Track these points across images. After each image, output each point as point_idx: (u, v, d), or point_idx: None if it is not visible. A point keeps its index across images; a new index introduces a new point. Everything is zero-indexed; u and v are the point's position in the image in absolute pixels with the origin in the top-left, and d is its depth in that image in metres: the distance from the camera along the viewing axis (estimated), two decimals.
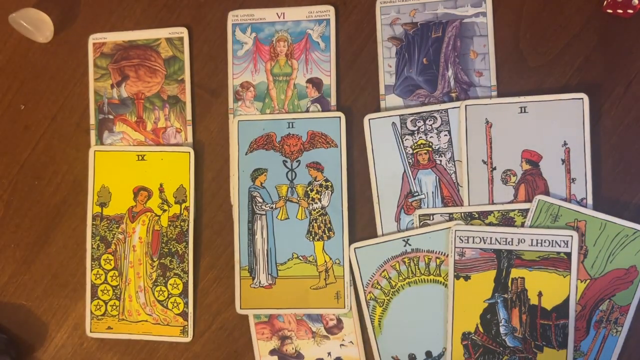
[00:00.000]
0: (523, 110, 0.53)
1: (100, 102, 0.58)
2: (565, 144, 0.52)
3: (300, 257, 0.55)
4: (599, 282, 0.51)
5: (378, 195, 0.54)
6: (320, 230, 0.54)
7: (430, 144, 0.53)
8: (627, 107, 0.53)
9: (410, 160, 0.54)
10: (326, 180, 0.54)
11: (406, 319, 0.54)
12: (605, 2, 0.52)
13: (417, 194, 0.53)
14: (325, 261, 0.54)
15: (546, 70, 0.54)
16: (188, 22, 0.57)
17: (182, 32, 0.57)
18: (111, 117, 0.58)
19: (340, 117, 0.54)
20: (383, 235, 0.54)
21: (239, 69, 0.56)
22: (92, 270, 0.57)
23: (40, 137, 0.59)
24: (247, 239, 0.55)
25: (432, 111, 0.53)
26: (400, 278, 0.54)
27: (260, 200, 0.55)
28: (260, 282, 0.55)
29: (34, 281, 0.58)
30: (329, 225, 0.54)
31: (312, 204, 0.54)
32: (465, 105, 0.53)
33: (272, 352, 0.56)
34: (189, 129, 0.57)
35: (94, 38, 0.58)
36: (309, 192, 0.55)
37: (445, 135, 0.53)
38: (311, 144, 0.55)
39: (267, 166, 0.55)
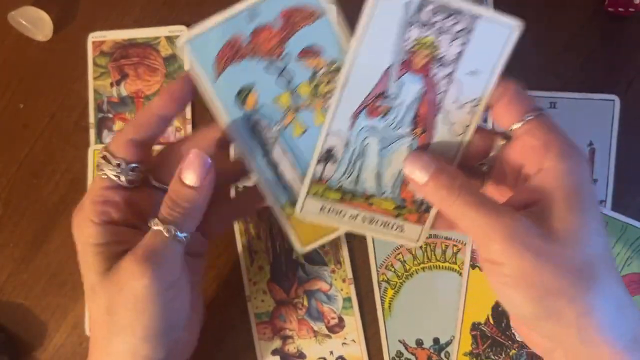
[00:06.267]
0: (552, 106, 0.51)
1: (100, 100, 0.56)
2: (591, 144, 0.50)
3: None
4: None
5: (347, 82, 0.40)
6: None
7: (436, 47, 0.40)
8: (627, 107, 0.51)
9: (404, 57, 0.40)
10: (331, 63, 0.41)
11: (417, 303, 0.52)
12: (606, 1, 0.51)
13: (391, 97, 0.41)
14: None
15: (547, 70, 0.52)
16: (188, 20, 0.56)
17: (182, 30, 0.55)
18: (110, 115, 0.56)
19: None
20: None
21: None
22: None
23: (39, 135, 0.57)
24: (272, 175, 0.43)
25: (461, 11, 0.39)
26: (415, 262, 0.52)
27: (265, 124, 0.42)
28: None
29: (32, 280, 0.57)
30: None
31: (328, 99, 0.41)
32: None
33: (274, 352, 0.54)
34: (189, 127, 0.55)
35: (94, 36, 0.56)
36: (318, 87, 0.42)
37: (459, 46, 0.40)
38: (291, 27, 0.40)
39: (250, 80, 0.41)
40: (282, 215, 0.44)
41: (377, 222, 0.42)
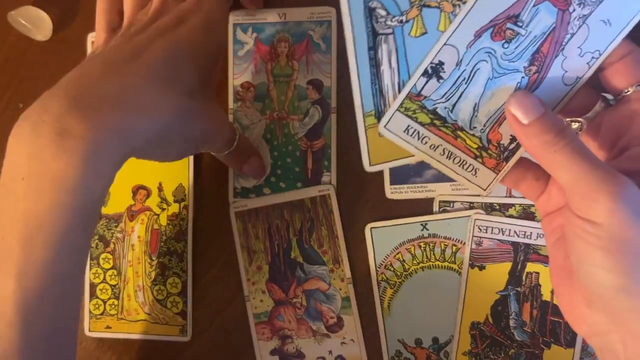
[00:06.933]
0: None
1: None
2: None
3: None
4: None
5: None
6: None
7: None
8: None
9: None
10: None
11: (416, 303, 0.52)
12: None
13: (520, 25, 0.38)
14: None
15: None
16: None
17: None
18: None
19: None
20: (401, 217, 0.52)
21: (240, 69, 0.55)
22: (90, 269, 0.55)
23: None
24: (370, 73, 0.39)
25: None
26: (414, 262, 0.52)
27: (384, 13, 0.38)
28: None
29: None
30: None
31: (459, 4, 0.38)
32: None
33: (273, 352, 0.54)
34: None
35: (93, 36, 0.56)
36: None
37: None
38: None
39: None
40: (361, 123, 0.41)
41: (455, 158, 0.40)
